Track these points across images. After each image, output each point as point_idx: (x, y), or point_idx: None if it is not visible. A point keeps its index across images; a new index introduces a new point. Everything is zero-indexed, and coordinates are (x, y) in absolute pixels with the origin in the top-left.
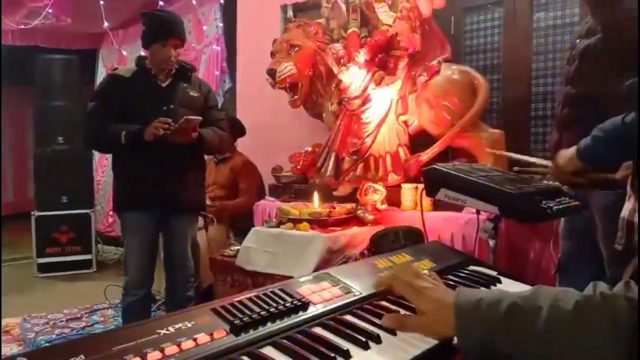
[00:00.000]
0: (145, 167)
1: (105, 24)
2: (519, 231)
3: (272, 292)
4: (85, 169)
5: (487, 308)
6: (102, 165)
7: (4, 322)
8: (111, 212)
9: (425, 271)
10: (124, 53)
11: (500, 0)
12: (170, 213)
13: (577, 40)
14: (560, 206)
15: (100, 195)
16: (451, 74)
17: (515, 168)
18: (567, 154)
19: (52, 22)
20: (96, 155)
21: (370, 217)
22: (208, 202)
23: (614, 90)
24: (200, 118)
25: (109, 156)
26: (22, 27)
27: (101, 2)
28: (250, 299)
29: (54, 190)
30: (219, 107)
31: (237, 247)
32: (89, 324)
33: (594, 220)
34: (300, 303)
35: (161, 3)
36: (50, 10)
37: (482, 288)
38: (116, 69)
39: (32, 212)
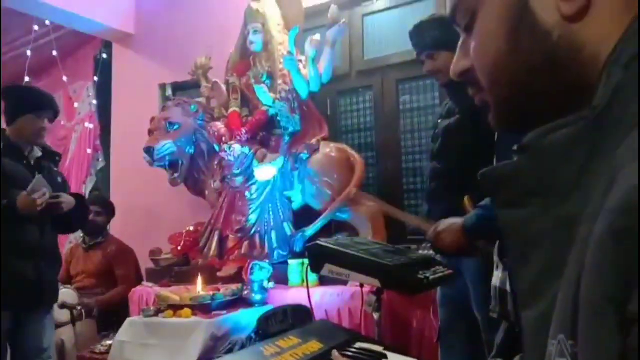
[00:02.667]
0: (8, 256)
1: None
2: (401, 302)
3: None
4: None
5: None
6: None
7: None
8: None
9: None
10: None
11: (369, 85)
12: (26, 309)
13: (439, 120)
14: (436, 275)
15: None
16: (330, 151)
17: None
18: (452, 227)
19: None
20: None
21: (258, 297)
22: (75, 293)
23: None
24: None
25: None
26: None
27: None
28: None
29: None
30: (92, 186)
31: (110, 342)
32: None
33: (466, 286)
34: None
35: (27, 79)
36: None
37: None
38: None
39: None
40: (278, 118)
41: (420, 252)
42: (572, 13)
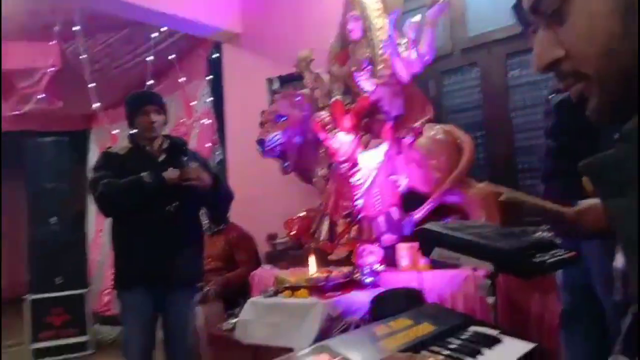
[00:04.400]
0: (144, 240)
1: (96, 105)
2: (518, 286)
3: None
4: (78, 249)
5: None
6: (97, 244)
7: None
8: (107, 291)
9: None
10: (114, 132)
11: (474, 62)
12: (170, 289)
13: (551, 96)
14: (554, 259)
15: (96, 275)
16: (435, 133)
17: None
18: (596, 208)
19: (44, 106)
20: (90, 234)
21: (369, 279)
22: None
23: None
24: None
25: (103, 234)
26: (16, 112)
27: (90, 85)
28: None
29: (48, 272)
30: None
31: (235, 321)
32: None
33: (589, 271)
34: None
35: (148, 83)
36: (42, 95)
37: (484, 349)
38: (109, 147)
39: (25, 296)
40: (380, 103)
41: (539, 234)
42: None
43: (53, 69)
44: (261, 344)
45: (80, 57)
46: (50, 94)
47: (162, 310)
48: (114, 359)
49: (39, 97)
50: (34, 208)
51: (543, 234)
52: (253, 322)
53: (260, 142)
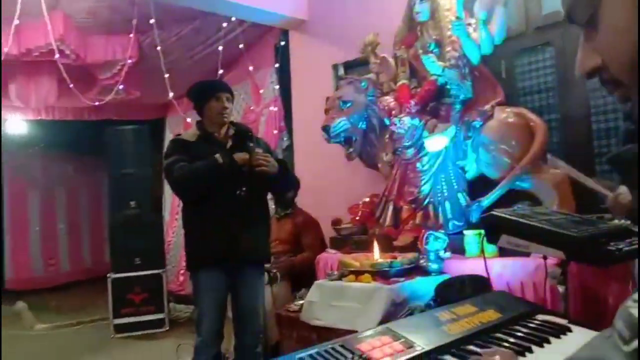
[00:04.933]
0: (216, 222)
1: (170, 94)
2: (592, 274)
3: (333, 348)
4: (156, 231)
5: None
6: (172, 226)
7: None
8: (182, 272)
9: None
10: (188, 120)
11: (549, 41)
12: (241, 268)
13: None
14: (632, 247)
15: (171, 256)
16: (506, 116)
17: None
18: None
19: (123, 97)
20: (166, 217)
21: (434, 266)
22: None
23: None
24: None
25: (179, 217)
26: (97, 103)
27: (166, 76)
28: (311, 356)
29: (128, 253)
30: None
31: (301, 302)
32: None
33: None
34: (361, 359)
35: (221, 71)
36: (121, 86)
37: (552, 338)
38: (178, 135)
39: (108, 275)
40: (448, 86)
41: (615, 222)
42: None
43: (131, 60)
44: (326, 326)
45: (157, 48)
46: (128, 85)
47: (233, 289)
48: (186, 335)
49: (118, 87)
50: (114, 193)
51: (620, 221)
52: (319, 304)
53: (326, 129)
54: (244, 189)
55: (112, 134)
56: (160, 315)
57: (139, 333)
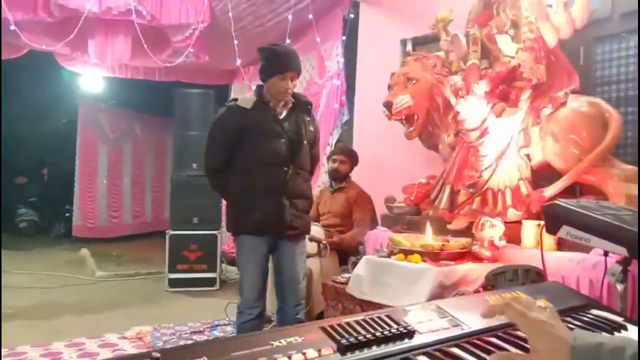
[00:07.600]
0: (262, 194)
1: (238, 61)
2: None
3: (379, 317)
4: (214, 194)
5: (608, 355)
6: None
7: (138, 329)
8: None
9: (541, 303)
10: (253, 87)
11: (635, 28)
12: (283, 236)
13: None
14: None
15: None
16: (579, 106)
17: None
18: None
19: (192, 60)
20: None
21: (487, 253)
22: (322, 229)
23: None
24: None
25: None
26: (168, 64)
27: (235, 42)
28: (357, 322)
29: (187, 212)
30: (337, 137)
31: (349, 275)
32: (210, 338)
33: None
34: (406, 331)
35: (288, 41)
36: (191, 50)
37: (604, 333)
38: (235, 100)
39: (167, 231)
40: (520, 69)
41: None
42: None
43: (203, 25)
44: (371, 300)
45: (228, 14)
46: (198, 49)
47: (274, 256)
48: (235, 296)
49: (189, 51)
50: (178, 153)
51: None
52: (366, 278)
53: (387, 105)
54: (290, 165)
55: (180, 96)
56: (212, 274)
57: (191, 289)
